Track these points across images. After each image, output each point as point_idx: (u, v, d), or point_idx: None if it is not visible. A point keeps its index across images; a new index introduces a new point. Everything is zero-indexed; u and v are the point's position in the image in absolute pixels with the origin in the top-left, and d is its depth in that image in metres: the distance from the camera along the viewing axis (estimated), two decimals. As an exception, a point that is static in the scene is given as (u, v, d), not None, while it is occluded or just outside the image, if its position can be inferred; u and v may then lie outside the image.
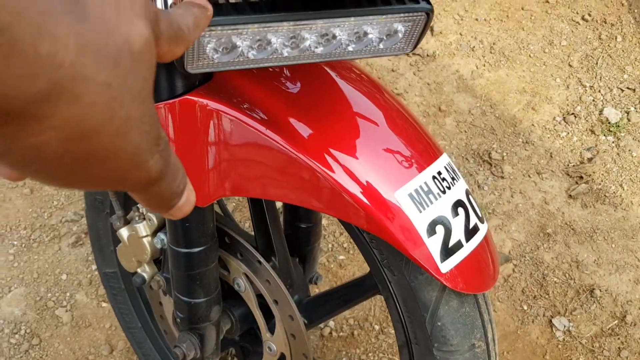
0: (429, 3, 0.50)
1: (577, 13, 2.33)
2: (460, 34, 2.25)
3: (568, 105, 2.03)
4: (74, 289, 1.47)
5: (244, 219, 1.68)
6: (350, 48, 0.51)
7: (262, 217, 0.91)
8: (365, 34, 0.50)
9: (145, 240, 0.89)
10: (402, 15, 0.49)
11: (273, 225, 0.91)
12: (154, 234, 0.89)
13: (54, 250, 1.53)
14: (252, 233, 0.94)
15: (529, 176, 1.83)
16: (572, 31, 2.27)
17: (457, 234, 0.67)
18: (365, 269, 1.58)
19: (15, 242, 1.54)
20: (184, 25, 0.33)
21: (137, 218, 0.89)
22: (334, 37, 0.50)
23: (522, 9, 2.35)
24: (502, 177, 1.83)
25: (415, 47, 0.54)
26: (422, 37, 0.52)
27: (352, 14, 0.48)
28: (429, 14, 0.50)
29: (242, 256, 0.88)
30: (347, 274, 1.58)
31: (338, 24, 0.48)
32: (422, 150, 0.71)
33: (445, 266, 0.65)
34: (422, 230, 0.64)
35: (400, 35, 0.51)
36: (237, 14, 0.47)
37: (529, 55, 2.19)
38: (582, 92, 2.07)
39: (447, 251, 0.65)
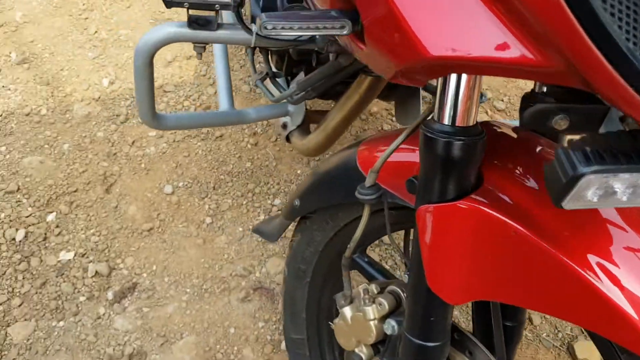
0: None
1: None
2: None
3: None
4: (241, 343, 1.52)
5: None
6: None
7: (485, 315, 0.92)
8: None
9: (372, 324, 0.91)
10: None
11: (496, 324, 0.92)
12: (382, 318, 0.91)
13: (224, 303, 1.60)
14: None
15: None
16: None
17: None
18: None
19: (188, 290, 1.63)
20: None
21: (366, 300, 0.92)
22: None
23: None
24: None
25: None
26: None
27: None
28: None
29: (472, 354, 0.88)
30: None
31: None
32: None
33: None
34: None
35: None
36: (616, 163, 0.49)
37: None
38: None
39: None
